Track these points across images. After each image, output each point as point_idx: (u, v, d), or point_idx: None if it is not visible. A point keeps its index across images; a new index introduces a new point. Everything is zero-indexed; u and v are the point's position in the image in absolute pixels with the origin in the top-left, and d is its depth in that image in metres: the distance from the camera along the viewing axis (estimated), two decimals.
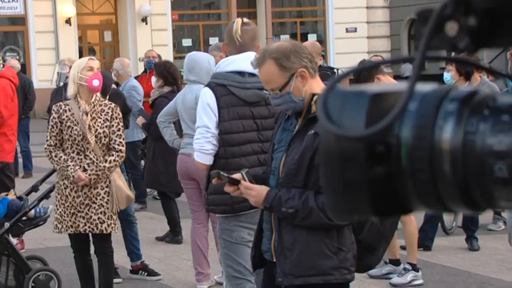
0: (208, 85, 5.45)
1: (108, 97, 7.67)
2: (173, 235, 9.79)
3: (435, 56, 0.95)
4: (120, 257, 8.36)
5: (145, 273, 8.31)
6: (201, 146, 5.35)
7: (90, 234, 6.85)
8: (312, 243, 4.13)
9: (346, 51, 23.57)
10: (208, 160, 5.38)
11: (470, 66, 8.53)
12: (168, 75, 9.34)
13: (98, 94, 6.75)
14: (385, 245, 4.38)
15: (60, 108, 6.67)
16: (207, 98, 5.38)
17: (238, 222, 5.47)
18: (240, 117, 5.43)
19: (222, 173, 4.26)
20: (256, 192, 4.15)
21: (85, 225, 6.67)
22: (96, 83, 6.61)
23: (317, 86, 4.15)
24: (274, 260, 4.24)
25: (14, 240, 8.68)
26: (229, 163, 5.36)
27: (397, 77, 22.72)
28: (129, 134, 10.67)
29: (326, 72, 11.52)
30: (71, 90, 6.67)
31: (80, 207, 6.66)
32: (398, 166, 0.91)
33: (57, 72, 11.56)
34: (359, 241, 4.24)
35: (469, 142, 0.95)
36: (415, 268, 7.85)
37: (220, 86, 5.39)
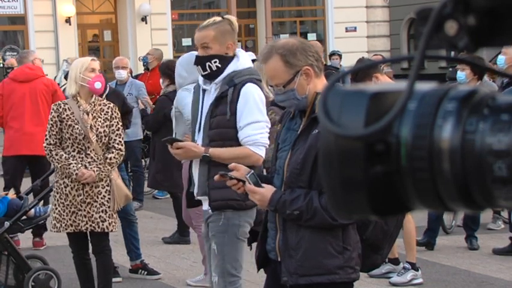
0: (251, 81, 5.37)
1: (105, 97, 7.70)
2: (182, 235, 9.65)
3: (435, 55, 0.95)
4: (120, 256, 8.37)
5: (145, 272, 8.31)
6: (266, 141, 5.34)
7: (88, 233, 6.85)
8: (316, 242, 4.13)
9: (345, 51, 23.56)
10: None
11: (468, 65, 8.53)
12: (172, 73, 9.38)
13: None
14: (390, 244, 4.38)
15: (60, 107, 6.67)
16: (260, 94, 5.38)
17: (247, 218, 5.46)
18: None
19: (229, 174, 4.27)
20: (260, 196, 4.14)
21: (86, 223, 6.67)
22: (99, 85, 6.61)
23: (322, 85, 4.15)
24: (279, 259, 4.24)
25: None
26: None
27: (396, 76, 22.71)
28: (134, 131, 10.90)
29: (331, 72, 11.54)
30: (71, 90, 6.66)
31: (81, 206, 6.66)
32: (398, 165, 0.91)
33: (63, 70, 11.69)
34: (364, 240, 4.24)
35: (469, 141, 0.95)
36: (414, 267, 7.85)
37: (258, 81, 5.42)
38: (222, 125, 5.30)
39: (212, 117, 5.33)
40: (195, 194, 5.50)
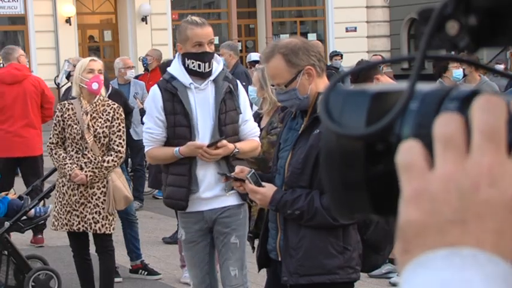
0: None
1: (107, 97, 7.70)
2: None
3: (435, 55, 0.95)
4: (120, 257, 8.37)
5: (145, 273, 8.31)
6: None
7: (89, 233, 6.86)
8: (317, 242, 4.13)
9: (346, 51, 23.58)
10: None
11: (470, 65, 8.55)
12: None
13: (103, 93, 6.77)
14: (391, 244, 4.38)
15: (64, 107, 6.73)
16: None
17: None
18: None
19: (228, 174, 4.31)
20: (261, 196, 4.15)
21: (79, 223, 6.68)
22: (95, 86, 6.63)
23: (323, 85, 4.16)
24: (280, 259, 4.25)
25: None
26: None
27: (396, 77, 22.71)
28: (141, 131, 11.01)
29: (331, 72, 11.56)
30: (74, 91, 6.77)
31: (75, 206, 6.68)
32: None
33: (65, 70, 11.70)
34: (364, 240, 4.25)
35: None
36: None
37: None
38: (235, 120, 5.39)
39: (222, 113, 5.32)
40: (202, 193, 5.38)
